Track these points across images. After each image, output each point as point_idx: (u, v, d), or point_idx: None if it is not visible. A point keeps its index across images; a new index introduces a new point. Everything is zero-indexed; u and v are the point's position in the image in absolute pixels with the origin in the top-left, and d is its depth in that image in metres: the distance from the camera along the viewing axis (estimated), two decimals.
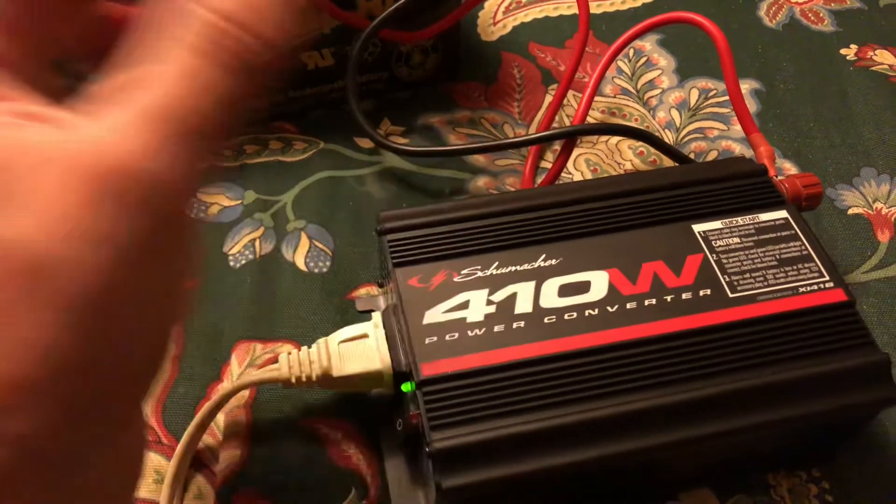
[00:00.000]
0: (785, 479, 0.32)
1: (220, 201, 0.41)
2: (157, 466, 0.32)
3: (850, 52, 0.49)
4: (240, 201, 0.41)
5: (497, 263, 0.31)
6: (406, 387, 0.29)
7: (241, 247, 0.39)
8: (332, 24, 0.42)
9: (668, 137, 0.45)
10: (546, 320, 0.29)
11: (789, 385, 0.28)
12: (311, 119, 0.45)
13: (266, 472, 0.32)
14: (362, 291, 0.38)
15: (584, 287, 0.30)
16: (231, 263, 0.39)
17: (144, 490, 0.31)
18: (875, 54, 0.49)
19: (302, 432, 0.33)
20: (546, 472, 0.27)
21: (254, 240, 0.39)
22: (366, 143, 0.44)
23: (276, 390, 0.34)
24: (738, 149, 0.44)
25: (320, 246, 0.39)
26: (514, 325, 0.29)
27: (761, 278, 0.31)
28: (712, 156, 0.44)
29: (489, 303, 0.30)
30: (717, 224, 0.32)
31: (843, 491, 0.32)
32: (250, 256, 0.39)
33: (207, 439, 0.33)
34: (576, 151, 0.44)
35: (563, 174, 0.43)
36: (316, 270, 0.38)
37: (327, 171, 0.42)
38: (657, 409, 0.27)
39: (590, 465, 0.27)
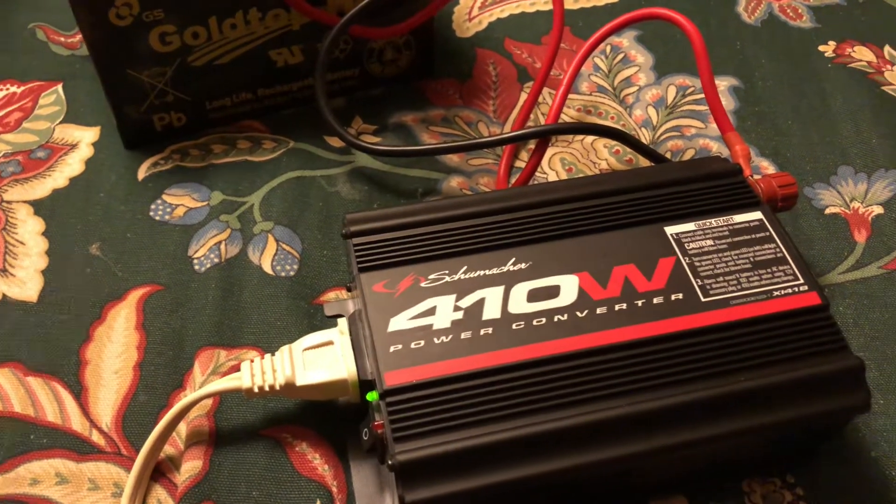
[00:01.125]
0: (759, 485, 0.31)
1: (186, 203, 0.40)
2: (116, 479, 0.31)
3: (828, 48, 0.48)
4: (206, 202, 0.40)
5: (465, 268, 0.30)
6: (371, 396, 0.28)
7: (206, 250, 0.38)
8: (302, 20, 0.41)
9: (645, 135, 0.44)
10: (514, 326, 0.29)
11: (762, 391, 0.27)
12: (280, 117, 0.44)
13: (229, 482, 0.31)
14: (331, 295, 0.37)
15: (553, 292, 0.30)
16: (196, 267, 0.38)
17: None
18: (853, 51, 0.48)
19: (266, 441, 0.32)
20: (514, 484, 0.26)
21: (219, 242, 0.38)
22: (337, 143, 0.43)
23: (239, 398, 0.33)
24: (716, 147, 0.43)
25: (287, 249, 0.38)
26: (482, 332, 0.28)
27: (734, 282, 0.30)
28: (689, 154, 0.43)
29: (456, 309, 0.29)
30: (690, 226, 0.32)
31: (818, 497, 0.31)
32: (215, 260, 0.38)
33: (169, 449, 0.32)
34: (550, 150, 0.43)
35: (537, 174, 0.42)
36: (283, 274, 0.37)
37: (296, 171, 0.41)
38: (628, 417, 0.27)
39: (559, 475, 0.26)
